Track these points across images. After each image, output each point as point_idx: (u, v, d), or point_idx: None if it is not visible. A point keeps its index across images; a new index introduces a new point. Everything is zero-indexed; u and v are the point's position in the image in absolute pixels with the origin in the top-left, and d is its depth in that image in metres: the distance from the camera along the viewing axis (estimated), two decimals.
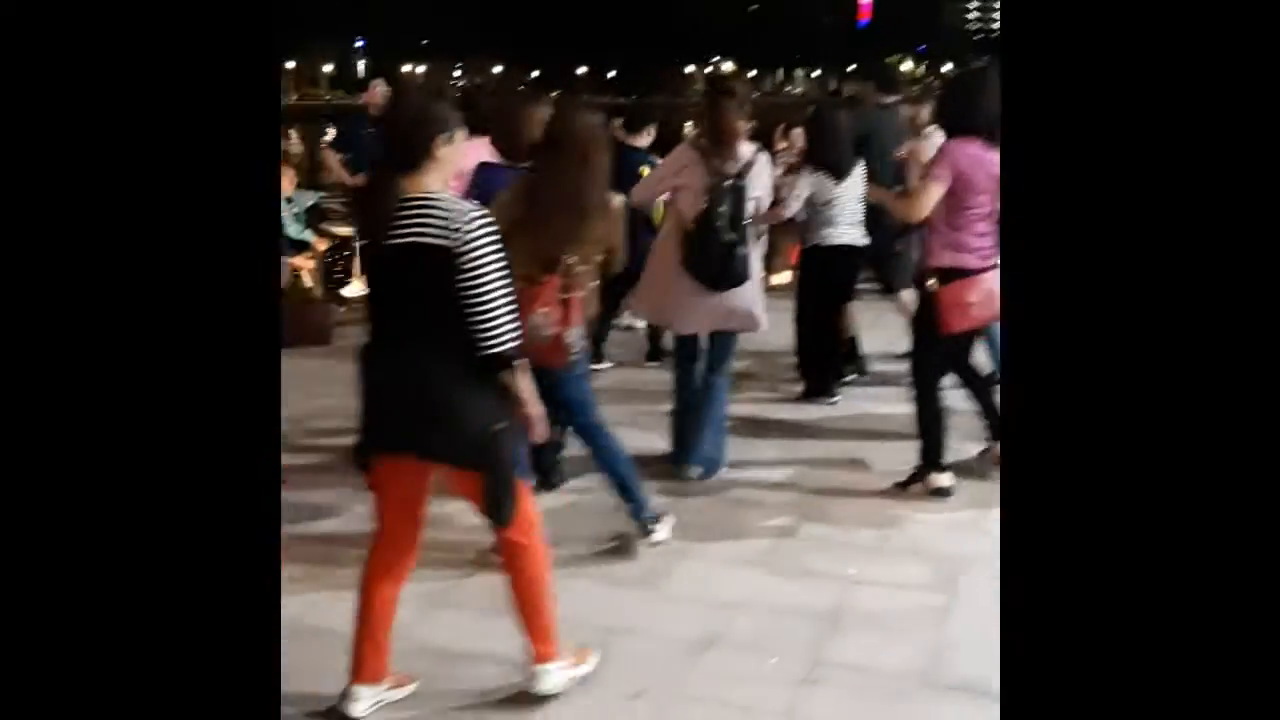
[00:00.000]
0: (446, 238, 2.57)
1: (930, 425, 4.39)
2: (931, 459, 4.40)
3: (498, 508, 2.75)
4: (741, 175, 4.27)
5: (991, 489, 4.44)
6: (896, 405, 4.99)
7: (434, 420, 2.66)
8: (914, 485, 4.42)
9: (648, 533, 3.86)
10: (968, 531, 4.04)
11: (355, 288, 7.86)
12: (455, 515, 3.57)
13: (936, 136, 5.03)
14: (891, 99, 6.93)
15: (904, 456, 4.54)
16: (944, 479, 4.38)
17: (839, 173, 5.50)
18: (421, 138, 2.65)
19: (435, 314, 2.63)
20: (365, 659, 2.84)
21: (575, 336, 3.51)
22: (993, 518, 4.15)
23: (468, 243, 2.57)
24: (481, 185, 3.84)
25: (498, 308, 2.61)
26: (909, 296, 5.22)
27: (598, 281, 3.69)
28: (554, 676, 2.90)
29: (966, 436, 4.70)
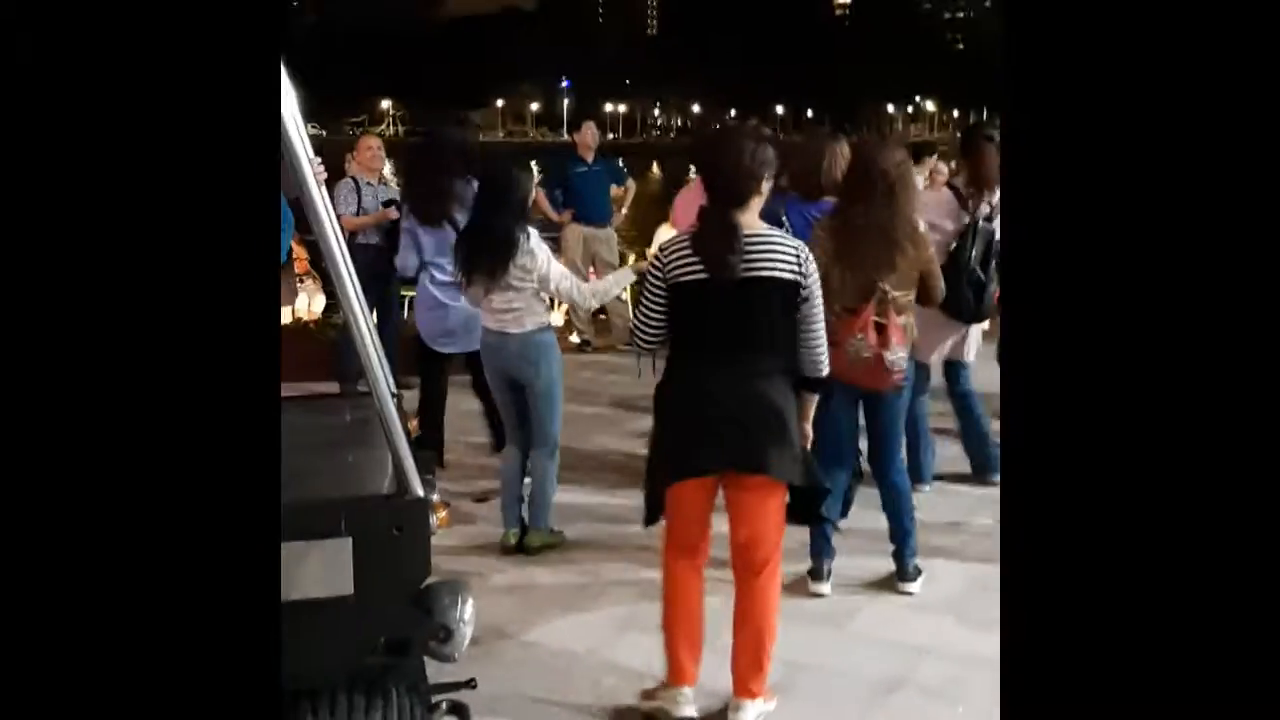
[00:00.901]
0: (796, 271, 2.84)
1: None
2: None
3: (808, 513, 3.11)
4: (990, 218, 4.48)
5: None
6: None
7: (771, 438, 2.86)
8: None
9: (910, 578, 3.90)
10: None
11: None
12: (630, 538, 3.68)
13: None
14: None
15: None
16: None
17: None
18: (753, 177, 2.84)
19: (775, 342, 2.88)
20: (688, 663, 3.01)
21: (899, 358, 3.63)
22: None
23: (809, 275, 2.87)
24: (792, 225, 3.95)
25: (824, 335, 2.97)
26: None
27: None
28: (754, 712, 2.96)
29: None
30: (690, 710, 2.98)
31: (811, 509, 3.11)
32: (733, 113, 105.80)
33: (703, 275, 2.83)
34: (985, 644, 3.49)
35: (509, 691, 3.13)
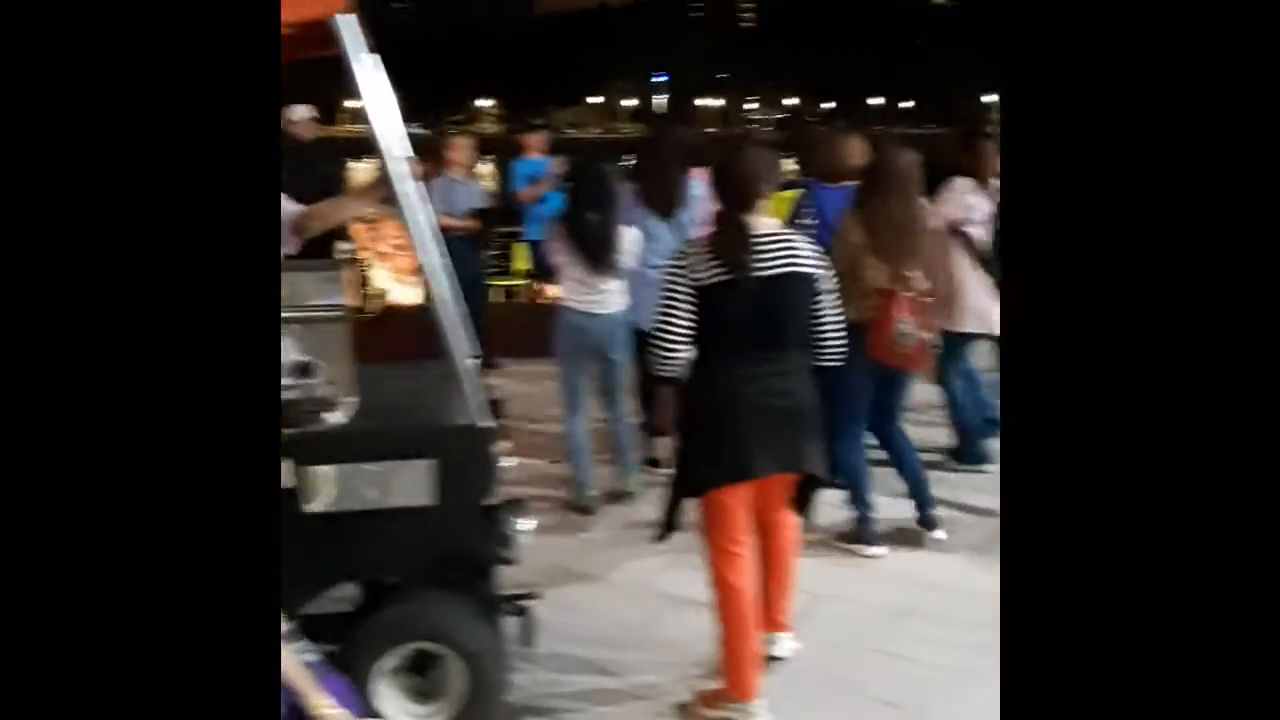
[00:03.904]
0: (815, 265, 3.05)
1: None
2: None
3: (808, 504, 3.29)
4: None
5: None
6: None
7: (808, 435, 3.08)
8: None
9: (931, 527, 4.36)
10: None
11: None
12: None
13: None
14: None
15: None
16: None
17: None
18: (760, 182, 3.05)
19: (800, 334, 3.05)
20: (755, 676, 3.08)
21: (933, 341, 4.09)
22: None
23: (824, 268, 3.10)
24: (818, 205, 4.59)
25: (841, 324, 3.15)
26: None
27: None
28: (788, 643, 3.40)
29: None
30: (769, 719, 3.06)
31: (813, 494, 3.30)
32: (830, 105, 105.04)
33: (727, 276, 2.95)
34: (988, 580, 3.95)
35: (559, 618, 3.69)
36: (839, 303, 3.16)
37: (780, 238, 3.06)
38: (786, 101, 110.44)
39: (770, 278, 2.97)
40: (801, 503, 3.29)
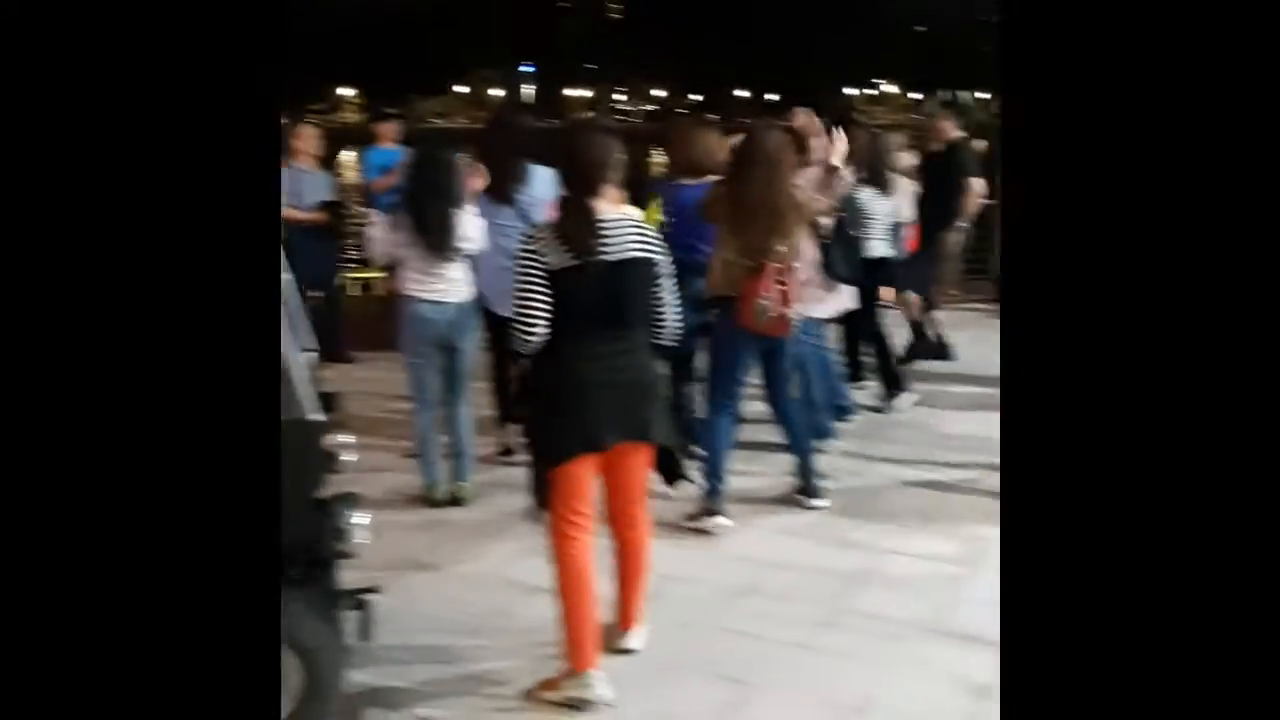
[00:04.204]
0: (656, 249, 3.14)
1: None
2: None
3: (675, 469, 3.35)
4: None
5: None
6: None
7: (654, 407, 3.16)
8: None
9: (814, 494, 4.57)
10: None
11: None
12: None
13: None
14: (961, 134, 7.23)
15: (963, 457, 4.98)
16: None
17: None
18: (605, 167, 3.09)
19: (646, 316, 3.14)
20: (594, 645, 3.13)
21: (796, 312, 4.24)
22: None
23: (663, 252, 3.18)
24: (675, 202, 4.71)
25: (678, 306, 3.25)
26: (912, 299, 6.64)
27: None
28: (640, 635, 3.40)
29: None
30: (608, 690, 3.10)
31: (677, 466, 3.38)
32: (697, 98, 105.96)
33: (574, 260, 3.00)
34: (830, 559, 4.08)
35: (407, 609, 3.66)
36: (676, 285, 3.25)
37: (625, 222, 3.12)
38: (656, 93, 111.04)
39: (616, 262, 3.03)
40: (667, 474, 3.36)
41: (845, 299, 5.41)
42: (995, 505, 4.67)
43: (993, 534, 4.25)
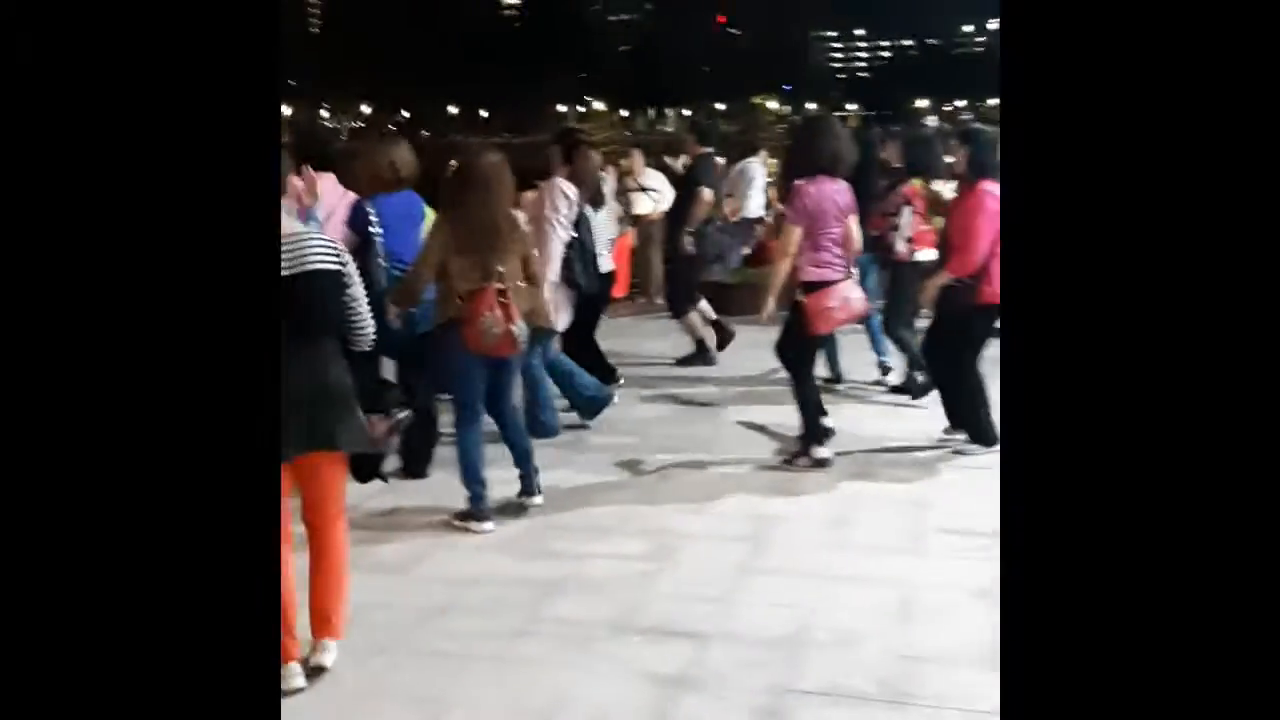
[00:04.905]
0: (338, 261, 3.23)
1: (808, 408, 5.28)
2: (811, 436, 5.28)
3: (369, 470, 3.46)
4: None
5: (716, 476, 5.16)
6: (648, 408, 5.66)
7: (342, 415, 3.23)
8: (799, 459, 5.29)
9: (534, 493, 4.77)
10: (690, 513, 4.71)
11: None
12: None
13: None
14: (706, 149, 7.83)
15: (661, 457, 5.19)
16: (824, 451, 5.30)
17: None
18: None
19: (331, 325, 3.25)
20: (291, 640, 3.24)
21: (520, 330, 4.33)
22: (714, 504, 4.82)
23: (347, 264, 3.27)
24: (381, 215, 4.73)
25: (368, 315, 3.38)
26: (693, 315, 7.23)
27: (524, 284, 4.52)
28: (333, 652, 3.37)
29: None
30: (302, 680, 3.24)
31: (372, 468, 3.51)
32: (404, 113, 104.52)
33: None
34: (527, 570, 4.15)
35: None
36: (365, 295, 3.38)
37: (303, 237, 3.21)
38: (365, 109, 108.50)
39: (293, 276, 3.12)
40: (360, 474, 3.45)
41: (574, 311, 5.76)
42: (688, 503, 4.93)
43: (684, 529, 4.48)
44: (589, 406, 6.00)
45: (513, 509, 4.73)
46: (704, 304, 7.59)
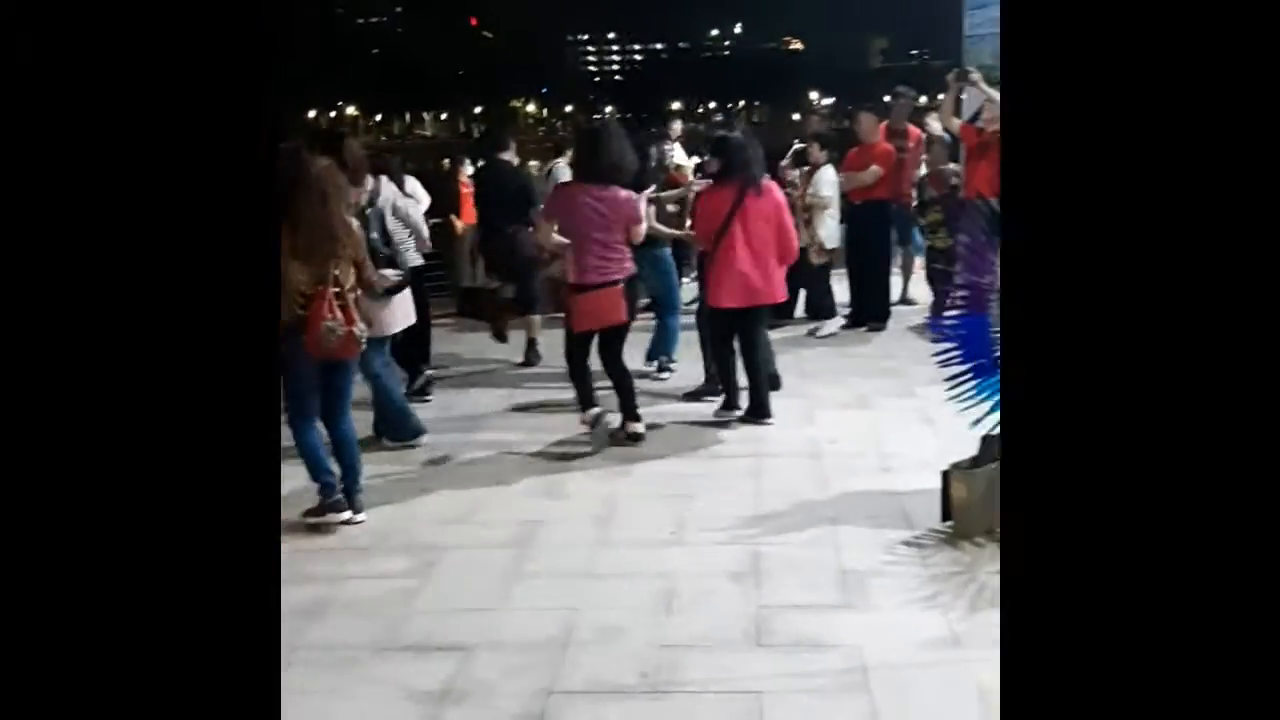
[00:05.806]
0: None
1: (584, 391, 5.69)
2: (628, 412, 5.70)
3: None
4: (371, 203, 5.55)
5: (467, 475, 5.13)
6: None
7: None
8: (619, 433, 5.66)
9: (357, 509, 4.73)
10: (452, 525, 4.67)
11: None
12: None
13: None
14: (506, 153, 8.10)
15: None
16: (638, 426, 5.68)
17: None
18: None
19: None
20: None
21: (360, 332, 4.44)
22: (480, 514, 4.80)
23: None
24: None
25: None
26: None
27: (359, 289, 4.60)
28: None
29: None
30: None
31: None
32: None
33: None
34: (393, 565, 4.12)
35: None
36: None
37: None
38: None
39: None
40: None
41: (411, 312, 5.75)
42: (452, 515, 4.86)
43: (445, 543, 4.42)
44: (397, 431, 5.85)
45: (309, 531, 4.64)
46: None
